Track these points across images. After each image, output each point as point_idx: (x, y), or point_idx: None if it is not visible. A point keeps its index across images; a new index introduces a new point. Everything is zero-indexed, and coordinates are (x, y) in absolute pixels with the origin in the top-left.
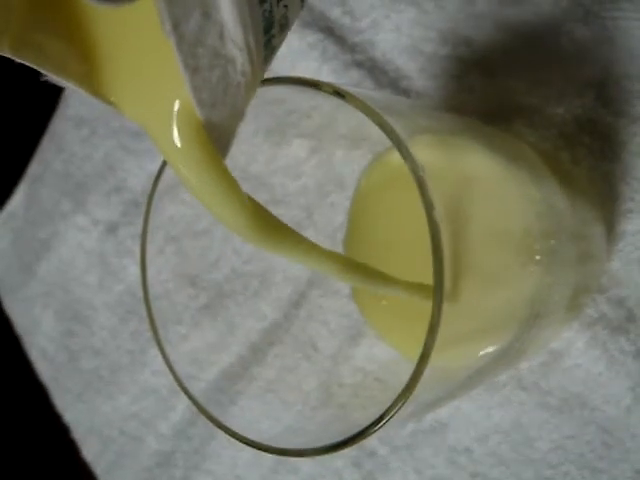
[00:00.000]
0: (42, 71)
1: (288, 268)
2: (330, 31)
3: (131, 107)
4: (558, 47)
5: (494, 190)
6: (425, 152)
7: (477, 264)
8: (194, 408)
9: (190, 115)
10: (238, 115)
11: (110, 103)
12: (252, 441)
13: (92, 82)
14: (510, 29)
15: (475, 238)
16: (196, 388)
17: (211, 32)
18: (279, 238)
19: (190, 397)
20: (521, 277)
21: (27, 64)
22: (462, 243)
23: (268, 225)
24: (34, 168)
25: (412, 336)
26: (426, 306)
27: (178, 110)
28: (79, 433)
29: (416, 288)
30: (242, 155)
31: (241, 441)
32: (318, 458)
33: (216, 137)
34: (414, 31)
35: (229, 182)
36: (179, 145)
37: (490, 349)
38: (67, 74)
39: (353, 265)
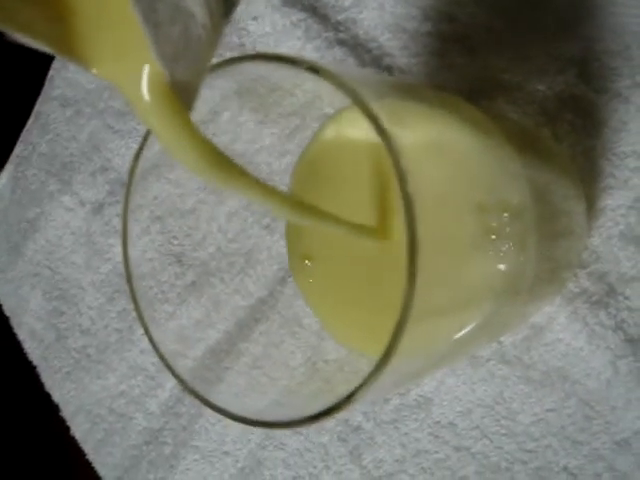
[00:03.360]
0: (7, 32)
1: (273, 246)
2: (313, 9)
3: (100, 65)
4: (540, 24)
5: (469, 163)
6: (396, 119)
7: (445, 236)
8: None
9: (157, 71)
10: (201, 70)
11: (79, 62)
12: (238, 415)
13: (61, 42)
14: (492, 5)
15: (446, 209)
16: (183, 365)
17: None
18: (236, 178)
19: (175, 375)
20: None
21: None
22: (430, 213)
23: (226, 166)
24: (20, 149)
25: (370, 333)
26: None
27: (145, 66)
28: (68, 411)
29: (360, 229)
30: (226, 134)
31: (226, 416)
32: (305, 434)
33: (180, 91)
34: (397, 9)
35: (193, 132)
36: (148, 99)
37: (469, 323)
38: (35, 34)
39: (300, 203)
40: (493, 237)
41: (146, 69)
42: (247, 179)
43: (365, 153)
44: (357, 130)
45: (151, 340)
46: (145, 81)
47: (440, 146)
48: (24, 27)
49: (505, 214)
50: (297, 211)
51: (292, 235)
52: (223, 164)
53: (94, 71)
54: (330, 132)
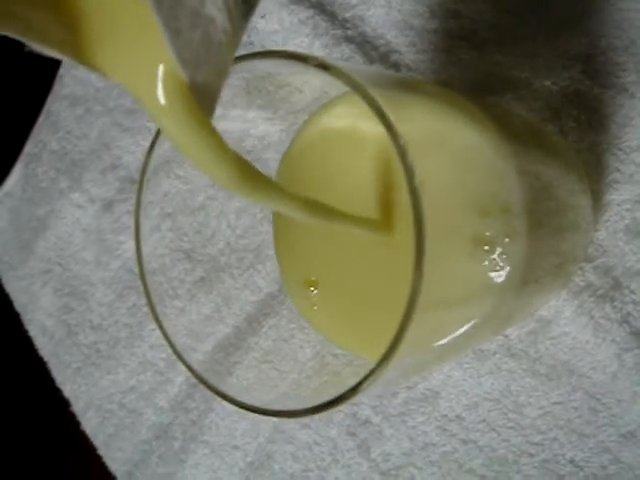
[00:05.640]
0: (25, 41)
1: None
2: (321, 7)
3: (117, 71)
4: (546, 20)
5: (477, 160)
6: (402, 115)
7: (445, 232)
8: (192, 381)
9: (176, 76)
10: (222, 73)
11: (95, 69)
12: (248, 405)
13: (76, 49)
14: (498, 2)
15: (445, 206)
16: (193, 360)
17: None
18: (258, 186)
19: (187, 367)
20: (507, 243)
21: (9, 36)
22: (431, 209)
23: (250, 175)
24: (30, 147)
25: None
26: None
27: (164, 72)
28: (79, 407)
29: (366, 222)
30: (235, 131)
31: (237, 405)
32: (314, 427)
33: (202, 96)
34: (404, 6)
35: (217, 139)
36: (166, 107)
37: (473, 317)
38: (50, 42)
39: (313, 202)
40: (486, 248)
41: (165, 76)
42: (271, 188)
43: (356, 147)
44: (344, 124)
45: (164, 334)
46: (164, 88)
47: (444, 142)
48: (39, 35)
49: (502, 218)
50: (310, 211)
51: (289, 263)
52: (248, 172)
53: (113, 79)
54: (316, 127)
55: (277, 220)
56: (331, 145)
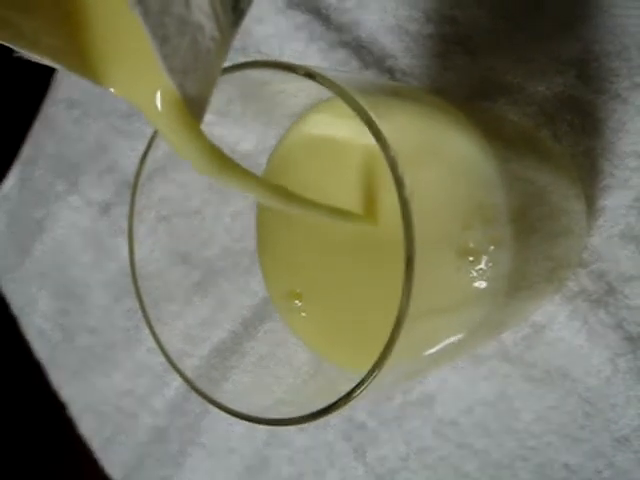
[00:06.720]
0: (16, 49)
1: None
2: (317, 12)
3: (112, 81)
4: (540, 26)
5: (467, 168)
6: (390, 124)
7: (442, 241)
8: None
9: (169, 86)
10: (210, 80)
11: (88, 77)
12: (242, 414)
13: (69, 57)
14: (493, 8)
15: (443, 215)
16: (189, 364)
17: (176, 1)
18: (238, 176)
19: (180, 373)
20: (495, 252)
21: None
22: (426, 219)
23: (231, 167)
24: (27, 150)
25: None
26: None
27: (157, 82)
28: (75, 410)
29: (346, 214)
30: (231, 135)
31: (231, 414)
32: (310, 431)
33: (191, 103)
34: (399, 11)
35: (203, 141)
36: (161, 115)
37: (465, 324)
38: (42, 50)
39: (288, 192)
40: (471, 259)
41: (158, 85)
42: (249, 177)
43: (340, 151)
44: (330, 128)
45: (157, 340)
46: (158, 97)
47: (434, 150)
48: (30, 43)
49: (488, 227)
50: (294, 203)
51: (273, 275)
52: (230, 167)
53: (107, 87)
54: (301, 131)
55: (260, 232)
56: (316, 149)
